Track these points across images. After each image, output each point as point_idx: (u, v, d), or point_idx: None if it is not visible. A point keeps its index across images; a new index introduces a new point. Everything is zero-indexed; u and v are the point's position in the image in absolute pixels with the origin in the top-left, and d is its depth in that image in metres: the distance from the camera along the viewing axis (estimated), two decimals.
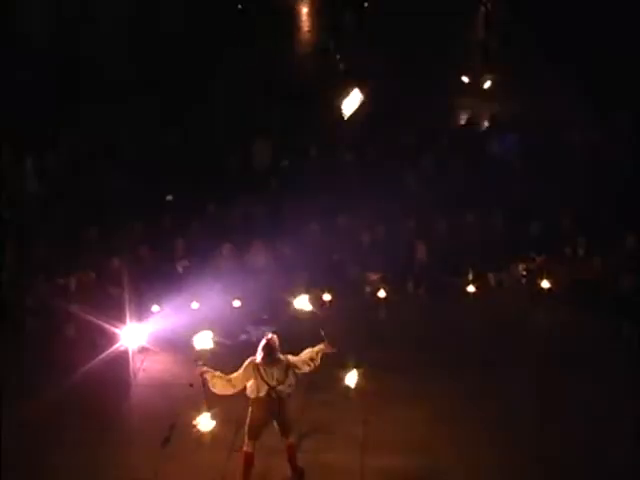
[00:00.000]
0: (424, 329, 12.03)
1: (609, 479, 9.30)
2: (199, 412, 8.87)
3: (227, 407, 9.38)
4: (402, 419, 10.26)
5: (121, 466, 9.61)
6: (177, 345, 11.71)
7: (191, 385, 11.02)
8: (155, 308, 12.46)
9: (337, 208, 14.10)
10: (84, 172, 14.94)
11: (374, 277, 13.22)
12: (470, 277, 12.96)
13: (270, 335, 9.15)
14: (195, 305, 12.65)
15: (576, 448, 9.68)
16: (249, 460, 9.18)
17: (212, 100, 16.99)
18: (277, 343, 9.07)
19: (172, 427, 10.17)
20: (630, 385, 10.64)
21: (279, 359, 9.04)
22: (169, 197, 14.84)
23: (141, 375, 11.44)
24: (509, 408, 10.39)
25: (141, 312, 12.07)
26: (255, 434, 9.14)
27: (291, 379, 9.07)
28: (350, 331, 11.61)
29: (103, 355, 11.27)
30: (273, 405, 9.02)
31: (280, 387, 8.98)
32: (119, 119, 15.98)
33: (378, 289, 12.96)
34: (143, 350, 11.77)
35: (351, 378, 9.54)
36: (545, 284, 12.73)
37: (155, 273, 13.13)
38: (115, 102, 16.26)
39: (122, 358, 11.38)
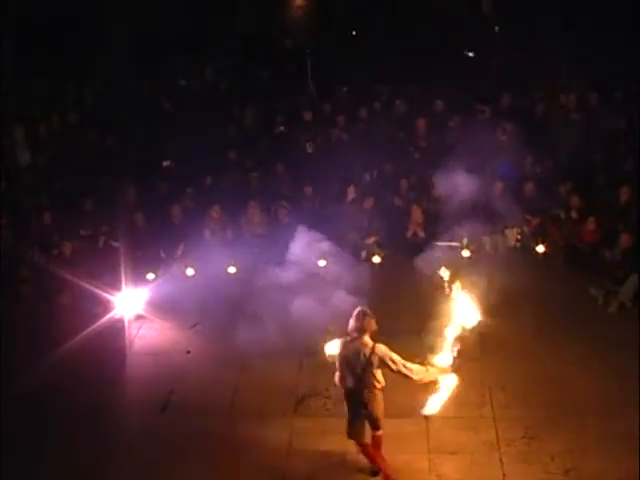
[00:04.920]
0: (418, 294, 12.00)
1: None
2: None
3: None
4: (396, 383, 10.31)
5: (119, 434, 9.65)
6: (173, 312, 11.77)
7: (188, 352, 11.13)
8: (150, 276, 12.48)
9: (333, 172, 14.08)
10: (77, 140, 14.92)
11: (369, 241, 13.22)
12: (465, 241, 12.94)
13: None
14: (190, 272, 12.66)
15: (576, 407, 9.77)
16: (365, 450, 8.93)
17: (207, 64, 16.90)
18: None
19: (169, 394, 10.25)
20: (627, 347, 10.67)
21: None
22: (166, 163, 14.77)
23: (137, 343, 11.47)
24: (506, 371, 10.47)
25: (137, 279, 12.08)
26: None
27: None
28: (342, 296, 11.64)
29: (99, 323, 11.31)
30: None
31: None
32: (114, 85, 15.94)
33: (373, 254, 12.97)
34: (139, 318, 11.81)
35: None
36: (540, 248, 12.75)
37: (150, 240, 13.15)
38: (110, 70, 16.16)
39: (118, 326, 11.44)
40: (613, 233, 12.43)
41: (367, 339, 8.56)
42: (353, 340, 8.59)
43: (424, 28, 16.88)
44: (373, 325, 8.62)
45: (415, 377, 8.62)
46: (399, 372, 8.56)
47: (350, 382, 8.57)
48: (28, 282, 12.30)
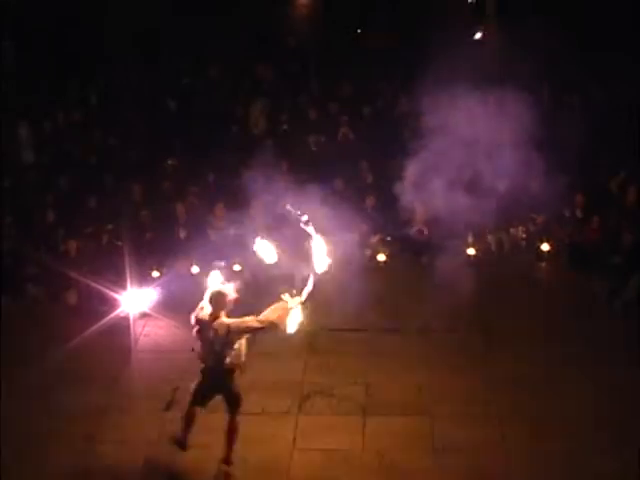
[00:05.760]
0: (423, 292, 12.05)
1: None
2: None
3: None
4: (401, 381, 10.36)
5: (124, 431, 9.67)
6: (178, 310, 11.74)
7: (193, 350, 11.11)
8: (155, 274, 12.51)
9: (336, 170, 14.09)
10: (81, 138, 14.95)
11: (373, 240, 13.23)
12: (470, 239, 12.96)
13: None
14: (195, 270, 12.69)
15: (576, 413, 9.74)
16: (190, 416, 8.89)
17: (210, 61, 16.92)
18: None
19: (174, 391, 10.26)
20: (630, 346, 10.68)
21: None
22: (170, 161, 14.79)
23: (142, 341, 11.50)
24: (510, 369, 10.48)
25: (142, 278, 12.10)
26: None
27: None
28: (348, 295, 11.68)
29: (104, 321, 11.34)
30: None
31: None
32: (118, 85, 15.97)
33: (377, 252, 12.99)
34: (144, 316, 11.83)
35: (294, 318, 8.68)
36: (545, 247, 12.76)
37: (155, 238, 13.18)
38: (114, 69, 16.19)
39: (123, 324, 11.46)
40: (617, 232, 12.45)
41: (223, 317, 8.54)
42: (211, 319, 8.57)
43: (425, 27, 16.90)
44: (230, 302, 8.60)
45: (276, 320, 8.51)
46: (261, 328, 8.49)
47: (210, 360, 8.59)
48: (33, 280, 12.34)
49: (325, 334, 11.06)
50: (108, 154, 14.61)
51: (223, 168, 14.50)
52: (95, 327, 11.23)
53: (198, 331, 8.67)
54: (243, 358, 8.66)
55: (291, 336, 10.63)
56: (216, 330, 8.52)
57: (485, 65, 16.12)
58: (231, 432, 8.90)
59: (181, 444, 8.93)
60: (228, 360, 8.56)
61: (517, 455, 9.13)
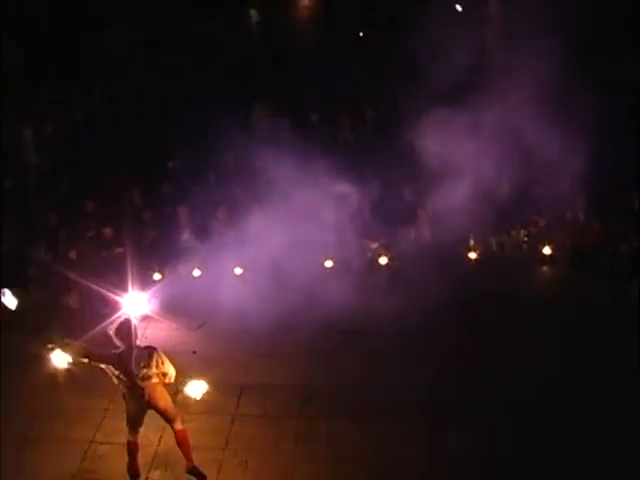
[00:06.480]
0: (424, 294, 12.03)
1: None
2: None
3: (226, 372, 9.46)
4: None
5: (124, 433, 9.65)
6: (179, 313, 11.78)
7: (194, 352, 11.13)
8: (157, 276, 12.50)
9: (337, 173, 14.09)
10: (83, 140, 14.96)
11: (374, 245, 13.21)
12: (471, 243, 12.95)
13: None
14: (197, 272, 12.69)
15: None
16: (133, 449, 9.04)
17: (211, 65, 16.94)
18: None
19: (175, 394, 10.24)
20: (631, 348, 10.67)
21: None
22: (172, 163, 14.81)
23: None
24: (509, 372, 10.46)
25: (143, 280, 12.09)
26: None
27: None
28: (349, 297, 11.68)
29: (105, 323, 11.30)
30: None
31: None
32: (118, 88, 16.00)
33: (379, 255, 12.98)
34: (146, 318, 11.81)
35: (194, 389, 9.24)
36: (546, 250, 12.75)
37: (157, 240, 13.18)
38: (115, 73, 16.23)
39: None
40: (618, 235, 12.44)
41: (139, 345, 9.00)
42: (129, 349, 8.97)
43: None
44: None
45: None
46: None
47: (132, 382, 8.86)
48: (35, 282, 12.33)
49: (327, 336, 11.05)
50: (110, 156, 14.61)
51: (224, 171, 14.50)
52: (96, 329, 11.19)
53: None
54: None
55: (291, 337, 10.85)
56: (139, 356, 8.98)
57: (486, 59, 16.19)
58: (182, 443, 8.97)
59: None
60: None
61: None
